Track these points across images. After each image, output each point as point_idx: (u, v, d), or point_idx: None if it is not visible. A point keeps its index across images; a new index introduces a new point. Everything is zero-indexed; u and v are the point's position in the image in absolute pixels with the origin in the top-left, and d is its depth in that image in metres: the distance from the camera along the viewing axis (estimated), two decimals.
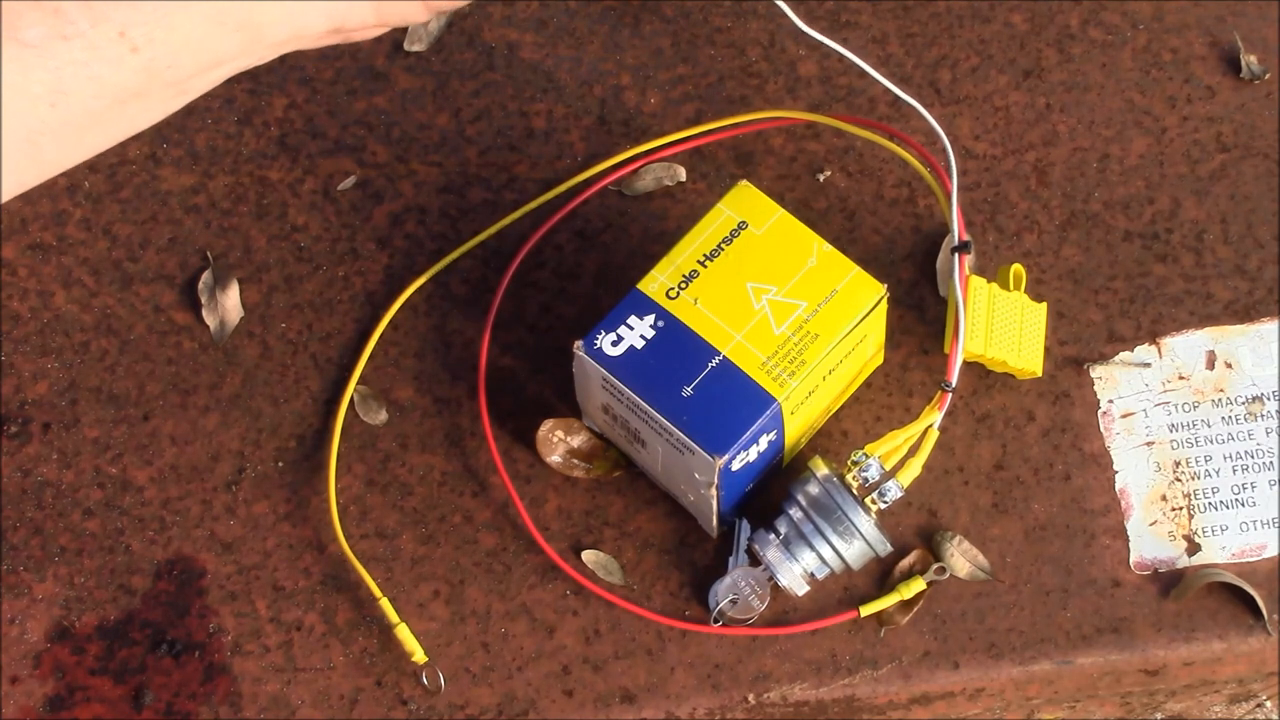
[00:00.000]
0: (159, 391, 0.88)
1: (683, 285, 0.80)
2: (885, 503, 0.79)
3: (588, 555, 0.84)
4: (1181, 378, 0.86)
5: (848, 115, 0.91)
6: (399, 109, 0.94)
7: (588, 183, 0.91)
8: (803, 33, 0.82)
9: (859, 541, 0.79)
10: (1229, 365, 0.87)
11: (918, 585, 0.82)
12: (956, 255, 0.82)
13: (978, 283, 0.83)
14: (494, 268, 0.90)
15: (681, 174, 0.91)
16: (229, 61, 0.60)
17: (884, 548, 0.79)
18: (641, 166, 0.91)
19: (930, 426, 0.80)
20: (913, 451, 0.80)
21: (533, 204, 0.91)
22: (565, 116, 0.93)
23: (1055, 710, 0.88)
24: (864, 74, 0.94)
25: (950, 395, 0.80)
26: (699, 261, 0.80)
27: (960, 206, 0.84)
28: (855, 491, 0.79)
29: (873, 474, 0.79)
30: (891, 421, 0.86)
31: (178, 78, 0.59)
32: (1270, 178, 0.91)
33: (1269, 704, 0.92)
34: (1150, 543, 0.84)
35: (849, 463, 0.79)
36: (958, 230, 0.82)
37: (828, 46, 0.82)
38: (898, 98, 0.85)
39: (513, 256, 0.89)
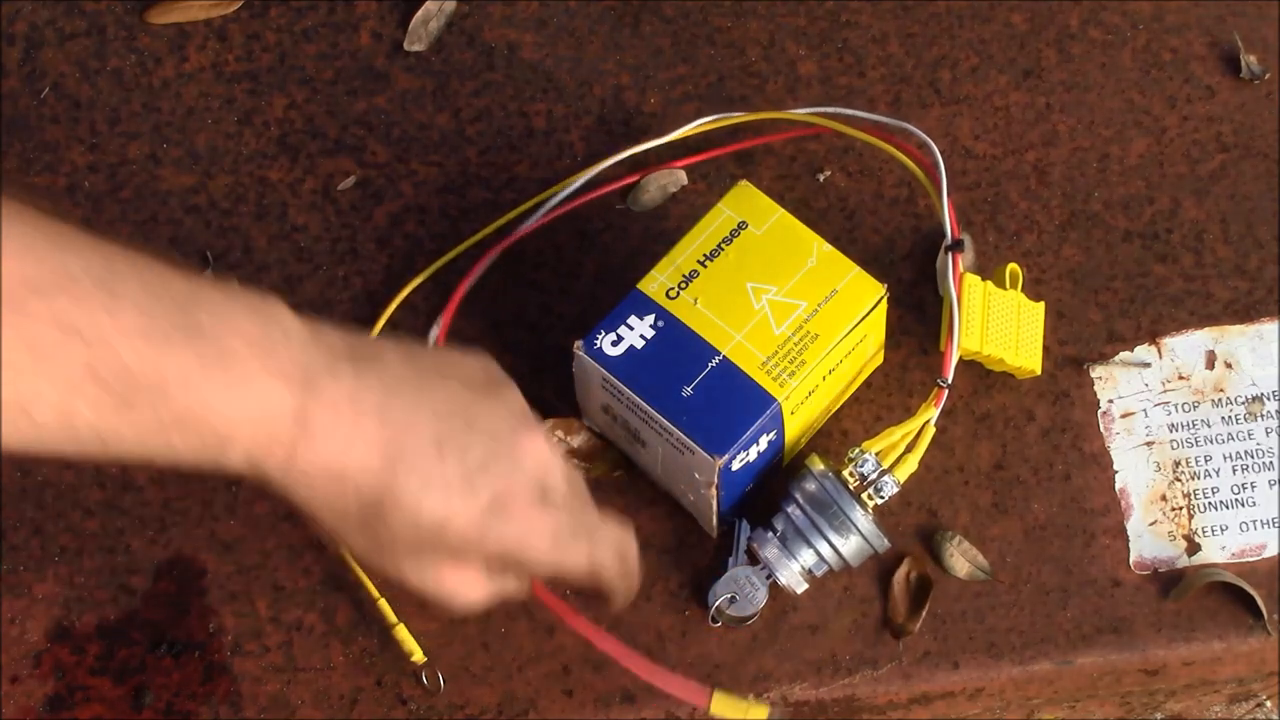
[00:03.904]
0: None
1: (683, 285, 0.80)
2: (882, 498, 0.79)
3: None
4: (1181, 378, 0.86)
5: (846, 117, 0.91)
6: (399, 109, 0.94)
7: (589, 182, 0.91)
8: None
9: (856, 537, 0.79)
10: (1229, 365, 0.87)
11: (759, 713, 0.77)
12: (949, 253, 0.82)
13: (972, 280, 0.83)
14: (494, 267, 0.90)
15: (683, 177, 0.91)
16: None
17: (881, 544, 0.79)
18: (644, 178, 0.91)
19: (927, 423, 0.80)
20: (910, 448, 0.80)
21: (530, 202, 0.91)
22: (565, 116, 0.93)
23: (1055, 710, 0.88)
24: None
25: (946, 392, 0.81)
26: (699, 261, 0.80)
27: (953, 204, 0.84)
28: (852, 488, 0.79)
29: (869, 470, 0.79)
30: (891, 421, 0.85)
31: None
32: (1270, 178, 0.91)
33: (1269, 704, 0.92)
34: (1150, 543, 0.84)
35: (845, 459, 0.79)
36: (950, 228, 0.82)
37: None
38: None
39: (501, 252, 0.89)
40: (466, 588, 0.70)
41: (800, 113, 0.90)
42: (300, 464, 0.63)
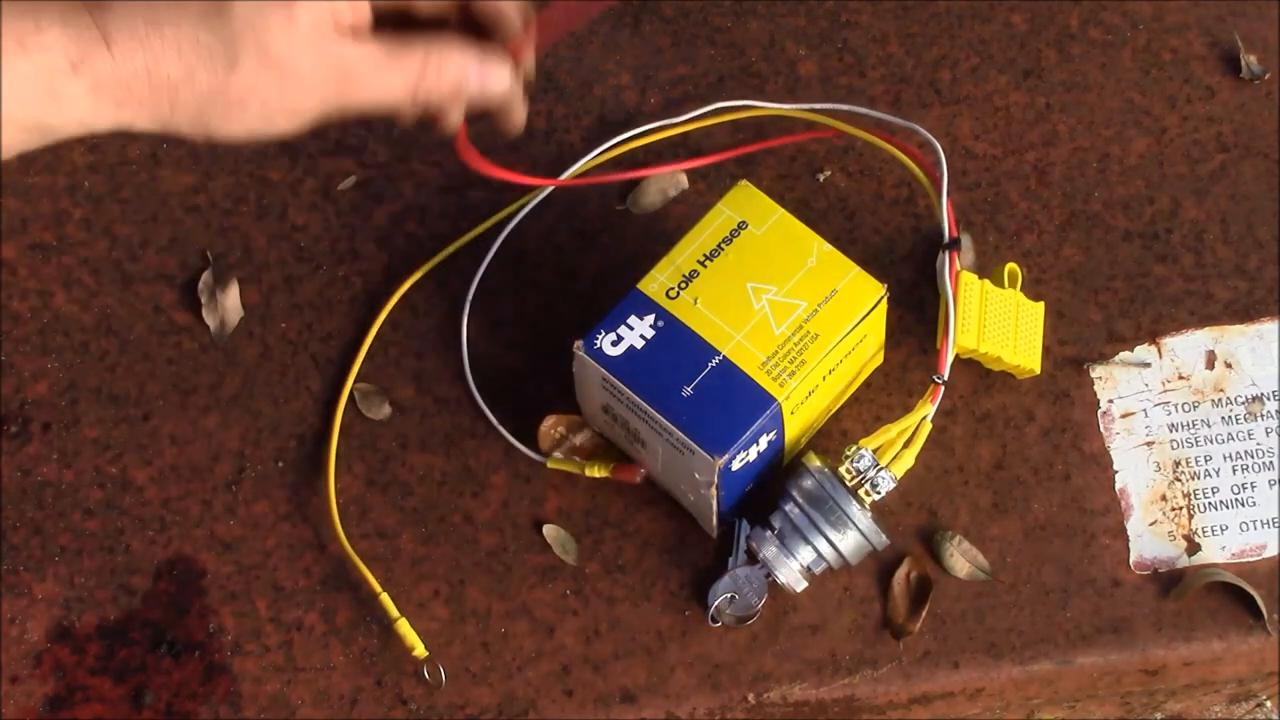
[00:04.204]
0: (159, 391, 0.88)
1: (683, 285, 0.80)
2: (878, 494, 0.79)
3: (548, 530, 0.84)
4: (1181, 378, 0.86)
5: (847, 116, 0.91)
6: None
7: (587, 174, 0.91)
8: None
9: (853, 533, 0.79)
10: (1229, 365, 0.87)
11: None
12: (945, 251, 0.82)
13: (969, 278, 0.83)
14: (495, 267, 0.90)
15: (683, 180, 0.91)
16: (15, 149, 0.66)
17: (879, 540, 0.79)
18: (644, 178, 0.91)
19: (924, 419, 0.80)
20: (907, 444, 0.80)
21: (527, 200, 0.91)
22: (565, 116, 0.93)
23: (1055, 710, 0.88)
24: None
25: (942, 388, 0.81)
26: (699, 261, 0.80)
27: (952, 204, 0.84)
28: (849, 484, 0.79)
29: (865, 466, 0.79)
30: (891, 421, 0.85)
31: None
32: (1270, 178, 0.91)
33: (1269, 704, 0.92)
34: (1150, 543, 0.84)
35: (842, 456, 0.79)
36: (947, 226, 0.83)
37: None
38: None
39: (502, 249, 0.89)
40: (383, 70, 0.68)
41: (804, 108, 0.90)
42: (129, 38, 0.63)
